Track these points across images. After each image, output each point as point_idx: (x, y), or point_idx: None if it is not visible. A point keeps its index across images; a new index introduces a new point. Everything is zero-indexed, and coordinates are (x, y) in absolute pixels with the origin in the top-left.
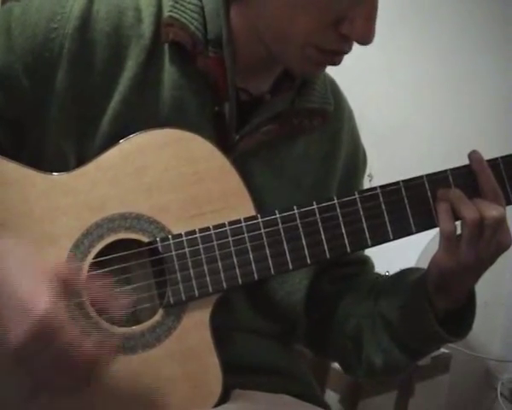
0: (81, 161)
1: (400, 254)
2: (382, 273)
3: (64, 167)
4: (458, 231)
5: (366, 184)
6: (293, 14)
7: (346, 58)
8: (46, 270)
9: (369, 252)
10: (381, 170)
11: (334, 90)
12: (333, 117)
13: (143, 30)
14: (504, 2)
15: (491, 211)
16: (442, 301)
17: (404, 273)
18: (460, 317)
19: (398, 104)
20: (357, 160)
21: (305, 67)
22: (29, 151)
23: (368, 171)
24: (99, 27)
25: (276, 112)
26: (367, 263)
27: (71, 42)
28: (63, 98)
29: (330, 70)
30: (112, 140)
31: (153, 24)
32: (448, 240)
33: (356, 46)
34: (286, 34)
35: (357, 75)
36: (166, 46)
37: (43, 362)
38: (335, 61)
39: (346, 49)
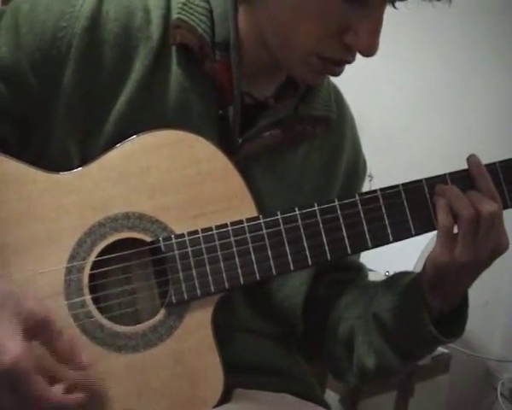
0: (85, 160)
1: (400, 255)
2: (382, 273)
3: (68, 167)
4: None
5: (366, 184)
6: (299, 22)
7: (349, 64)
8: (22, 312)
9: (369, 252)
10: (381, 172)
11: (337, 98)
12: (335, 125)
13: (152, 32)
14: (508, 10)
15: (486, 205)
16: (437, 301)
17: (398, 275)
18: (453, 318)
19: (399, 108)
20: (357, 168)
21: (307, 75)
22: (34, 150)
23: (368, 171)
24: (108, 27)
25: (279, 117)
26: (361, 271)
27: (79, 41)
28: (70, 96)
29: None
30: (116, 140)
31: (161, 26)
32: (445, 235)
33: (359, 55)
34: (291, 40)
35: (359, 80)
36: (174, 48)
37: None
38: (336, 72)
39: (349, 59)
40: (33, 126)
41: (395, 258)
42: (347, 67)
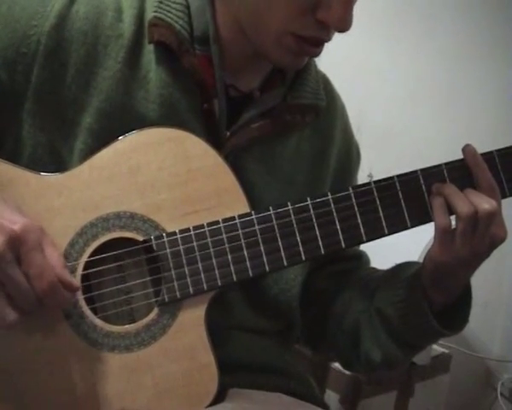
0: (62, 159)
1: (401, 254)
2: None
3: (44, 166)
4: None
5: None
6: (271, 2)
7: (347, 59)
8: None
9: (369, 251)
10: (381, 170)
11: (326, 86)
12: (325, 113)
13: (123, 30)
14: (506, 5)
15: (484, 204)
16: (438, 295)
17: (400, 268)
18: (457, 310)
19: (398, 104)
20: (350, 155)
21: (284, 58)
22: (7, 150)
23: (368, 171)
24: (76, 26)
25: (267, 108)
26: (362, 258)
27: (47, 39)
28: (39, 94)
29: (332, 71)
30: (99, 137)
31: (134, 24)
32: (443, 234)
33: (359, 46)
34: (264, 22)
35: (358, 76)
36: (152, 46)
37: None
38: (313, 52)
39: (324, 37)
40: (5, 125)
41: (396, 257)
42: (348, 67)
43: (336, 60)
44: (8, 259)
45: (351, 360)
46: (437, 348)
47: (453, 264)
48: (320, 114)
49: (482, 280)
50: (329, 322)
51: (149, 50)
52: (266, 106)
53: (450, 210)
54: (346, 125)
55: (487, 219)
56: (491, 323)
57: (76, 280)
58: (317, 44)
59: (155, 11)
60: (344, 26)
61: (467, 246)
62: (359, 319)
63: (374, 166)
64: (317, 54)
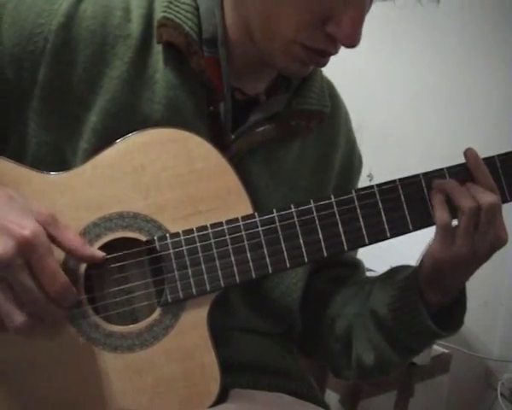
0: (65, 158)
1: (401, 255)
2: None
3: (47, 165)
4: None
5: (366, 184)
6: (282, 10)
7: (348, 60)
8: (32, 208)
9: (370, 251)
10: (381, 172)
11: (331, 92)
12: (329, 119)
13: (131, 30)
14: (508, 9)
15: (487, 197)
16: (434, 295)
17: (395, 270)
18: (452, 312)
19: (399, 108)
20: (352, 162)
21: (290, 66)
22: (12, 148)
23: (368, 171)
24: (84, 25)
25: (272, 113)
26: (359, 267)
27: (55, 38)
28: (45, 92)
29: (332, 72)
30: (103, 137)
31: (142, 24)
32: (444, 230)
33: (361, 49)
34: (273, 29)
35: (358, 77)
36: (160, 46)
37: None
38: (320, 62)
39: (332, 50)
40: (10, 124)
41: (396, 258)
42: (348, 68)
43: (338, 62)
44: (18, 264)
45: (342, 365)
46: (437, 348)
47: (452, 262)
48: (324, 120)
49: (482, 280)
50: (322, 325)
51: (158, 51)
52: (271, 110)
53: (452, 207)
54: (350, 132)
55: (490, 212)
56: (491, 323)
57: (98, 251)
58: (323, 55)
59: (164, 11)
60: (352, 42)
61: (468, 243)
62: (352, 322)
63: (374, 166)
64: (324, 64)
